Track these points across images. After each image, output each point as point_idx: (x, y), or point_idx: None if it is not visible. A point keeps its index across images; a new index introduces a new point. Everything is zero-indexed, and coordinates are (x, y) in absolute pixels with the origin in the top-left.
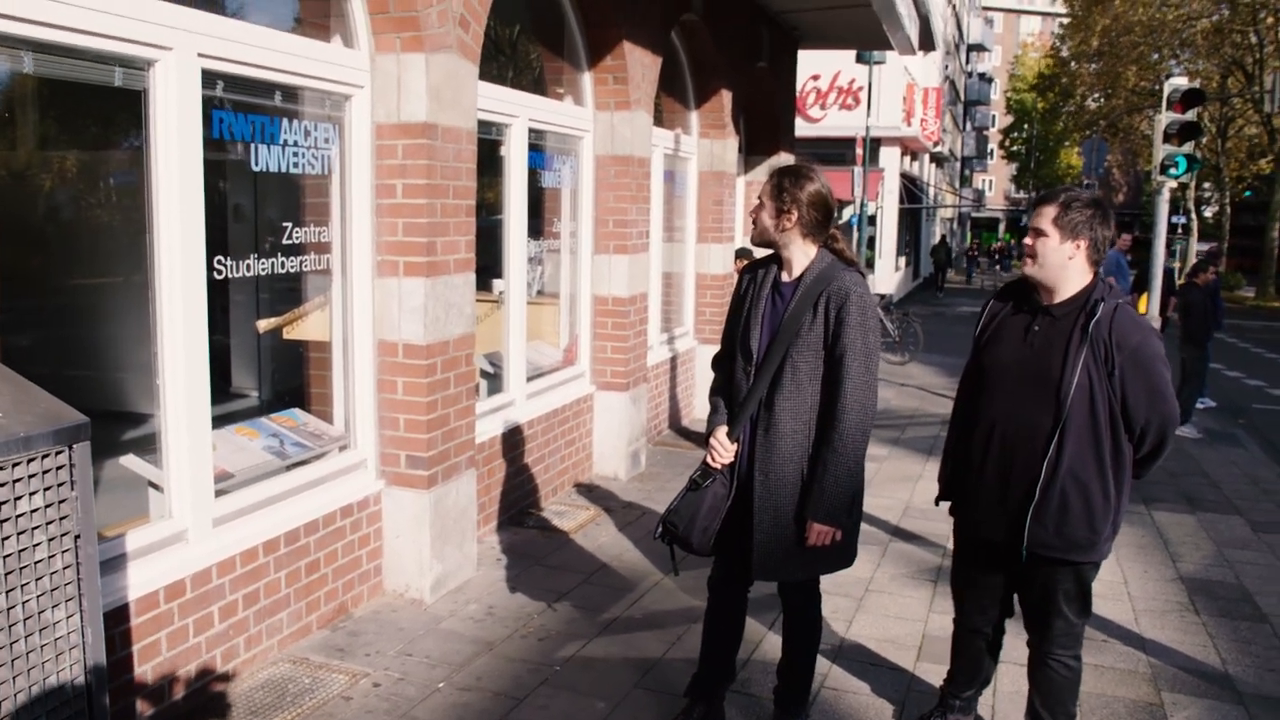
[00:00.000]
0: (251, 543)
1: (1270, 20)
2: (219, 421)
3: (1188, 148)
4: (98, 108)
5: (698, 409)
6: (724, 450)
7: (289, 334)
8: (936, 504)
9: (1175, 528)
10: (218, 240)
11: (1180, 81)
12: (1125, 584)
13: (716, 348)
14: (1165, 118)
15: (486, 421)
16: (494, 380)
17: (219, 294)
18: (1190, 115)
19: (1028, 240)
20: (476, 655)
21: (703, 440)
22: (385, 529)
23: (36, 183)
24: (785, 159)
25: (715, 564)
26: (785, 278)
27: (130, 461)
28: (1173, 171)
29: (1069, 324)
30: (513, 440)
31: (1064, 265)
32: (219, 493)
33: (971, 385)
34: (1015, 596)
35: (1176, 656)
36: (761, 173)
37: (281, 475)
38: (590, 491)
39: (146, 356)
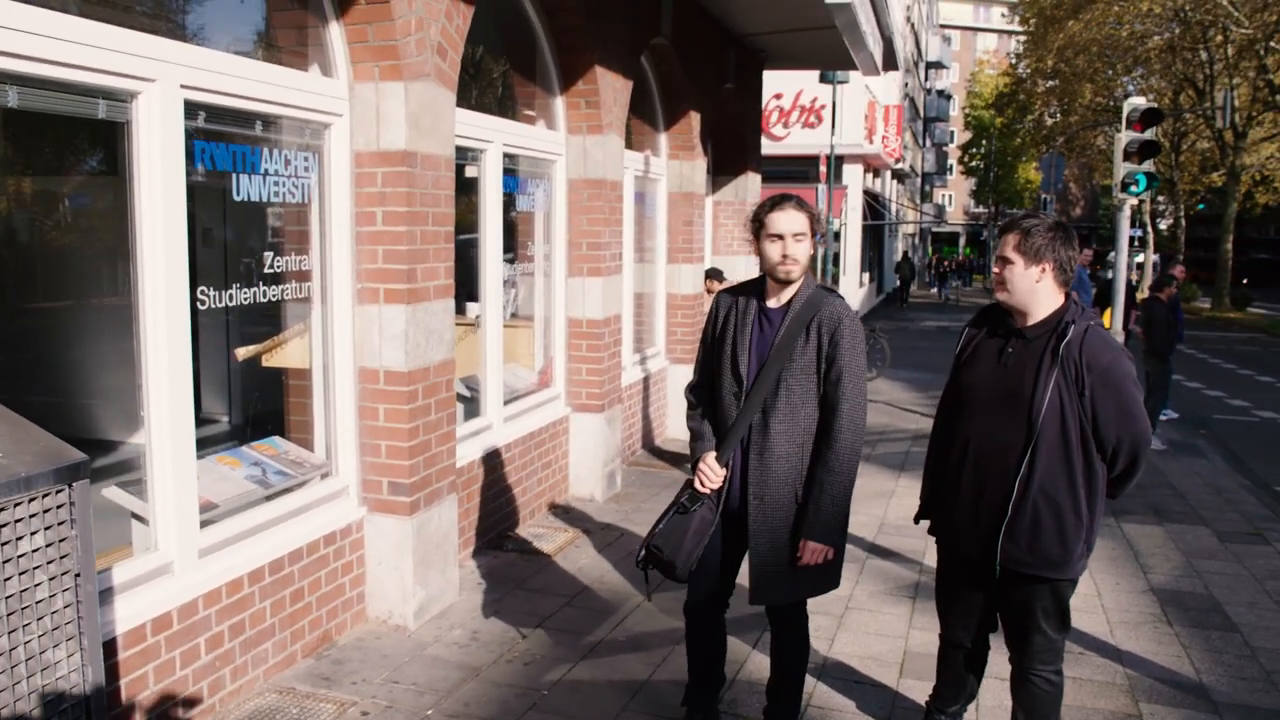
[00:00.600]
0: (237, 573)
1: (1220, 39)
2: (199, 450)
3: (1148, 165)
4: (79, 137)
5: (670, 429)
6: (714, 475)
7: (268, 361)
8: (916, 521)
9: (1145, 539)
10: (200, 269)
11: (1139, 101)
12: (1099, 596)
13: (688, 367)
14: (1125, 136)
15: (464, 446)
16: (470, 404)
17: (197, 322)
18: (1149, 134)
19: (996, 269)
20: (463, 681)
21: (676, 460)
22: (368, 556)
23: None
24: (753, 179)
25: (691, 589)
26: (773, 304)
27: (113, 493)
28: (1133, 189)
29: (1041, 345)
30: (491, 464)
31: (1032, 289)
32: (204, 523)
33: (950, 405)
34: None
35: (1152, 668)
36: (729, 192)
37: (265, 504)
38: (567, 513)
39: (122, 382)
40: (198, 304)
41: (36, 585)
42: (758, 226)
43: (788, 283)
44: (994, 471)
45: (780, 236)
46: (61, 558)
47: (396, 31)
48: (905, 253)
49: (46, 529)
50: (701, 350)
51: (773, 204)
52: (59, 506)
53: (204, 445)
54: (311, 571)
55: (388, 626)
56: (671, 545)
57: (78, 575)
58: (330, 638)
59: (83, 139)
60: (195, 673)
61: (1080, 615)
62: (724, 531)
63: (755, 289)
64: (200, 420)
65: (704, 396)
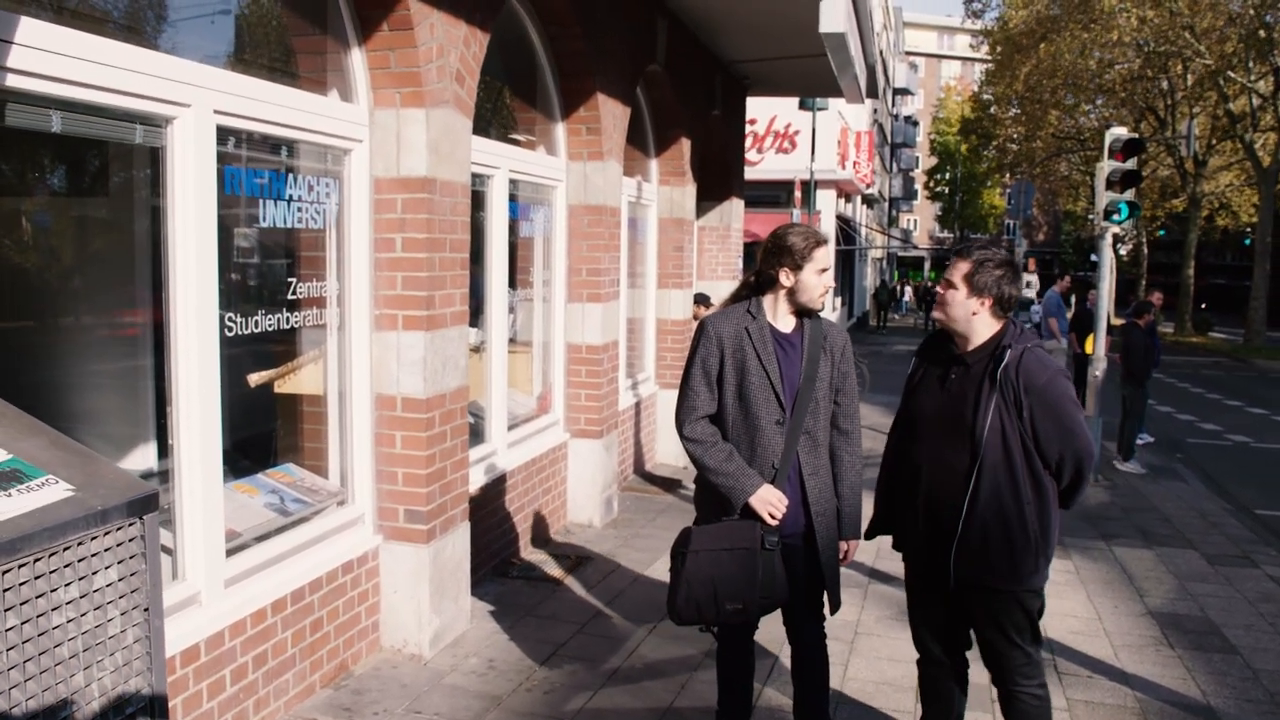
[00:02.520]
0: (261, 603)
1: (1180, 69)
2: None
3: (1129, 194)
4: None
5: (660, 453)
6: (783, 504)
7: (281, 387)
8: (868, 538)
9: (1136, 563)
10: (227, 296)
11: (1120, 131)
12: (1100, 620)
13: (675, 392)
14: (1107, 165)
15: (472, 471)
16: (475, 430)
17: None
18: (1130, 164)
19: (939, 288)
20: (486, 711)
21: (668, 485)
22: (383, 584)
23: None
24: (737, 204)
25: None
26: (785, 328)
27: None
28: (1116, 218)
29: (980, 370)
30: (496, 489)
31: (969, 318)
32: (229, 552)
33: (901, 430)
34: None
35: (1160, 690)
36: (714, 218)
37: (285, 533)
38: (568, 539)
39: (144, 408)
40: (226, 331)
41: (109, 620)
42: (802, 259)
43: (814, 311)
44: (944, 494)
45: (826, 270)
46: (133, 592)
47: (419, 58)
48: (884, 280)
49: (119, 563)
50: (704, 381)
51: (817, 240)
52: (131, 540)
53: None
54: (330, 600)
55: (402, 655)
56: (769, 586)
57: (147, 609)
58: (347, 667)
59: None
60: (220, 705)
61: (1084, 639)
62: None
63: (753, 315)
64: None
65: (723, 426)
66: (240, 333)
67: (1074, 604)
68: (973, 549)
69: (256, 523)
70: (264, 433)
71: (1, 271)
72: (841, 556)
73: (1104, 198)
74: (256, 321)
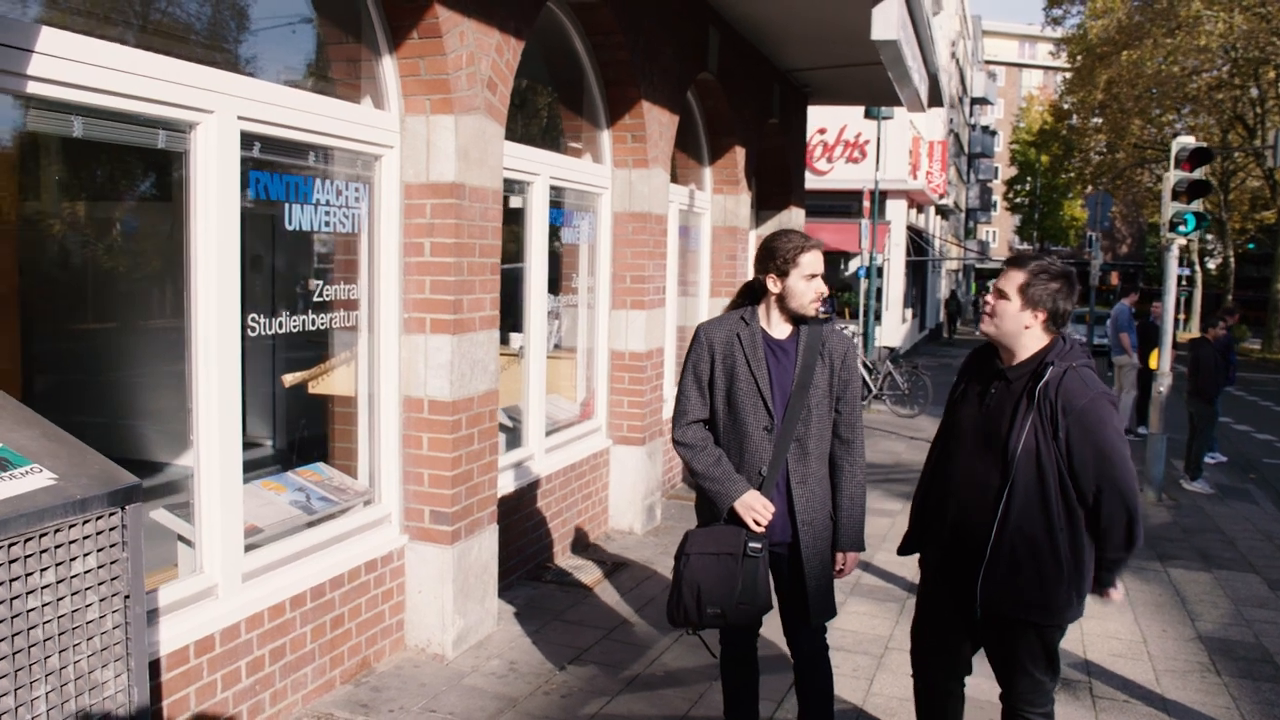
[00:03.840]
0: (279, 598)
1: (1272, 75)
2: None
3: (1196, 205)
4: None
5: None
6: (768, 512)
7: (314, 388)
8: (900, 554)
9: (1192, 586)
10: (251, 297)
11: (1188, 140)
12: (1145, 643)
13: None
14: (1174, 175)
15: (506, 476)
16: (513, 434)
17: (249, 348)
18: (1198, 174)
19: (989, 298)
20: (500, 712)
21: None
22: (408, 584)
23: (68, 231)
24: (796, 213)
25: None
26: (779, 335)
27: (161, 515)
28: (1182, 229)
29: (1020, 387)
30: (531, 494)
31: (1020, 332)
32: (248, 548)
33: (940, 444)
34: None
35: (1199, 718)
36: (773, 227)
37: (307, 530)
38: (607, 545)
39: (173, 404)
40: (248, 330)
41: (88, 605)
42: (787, 264)
43: (808, 317)
44: (973, 513)
45: (815, 275)
46: (113, 579)
47: (448, 65)
48: (954, 291)
49: (99, 550)
50: (695, 387)
51: (804, 244)
52: (112, 529)
53: (250, 469)
54: (352, 598)
55: (426, 655)
56: (750, 593)
57: (127, 597)
58: (369, 664)
59: (138, 166)
60: (235, 695)
61: (1125, 662)
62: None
63: (746, 321)
64: (255, 447)
65: (715, 432)
66: (263, 333)
67: (1119, 625)
68: (1001, 576)
69: (279, 519)
70: (296, 431)
71: (93, 275)
72: (839, 568)
73: (1170, 208)
74: (281, 322)
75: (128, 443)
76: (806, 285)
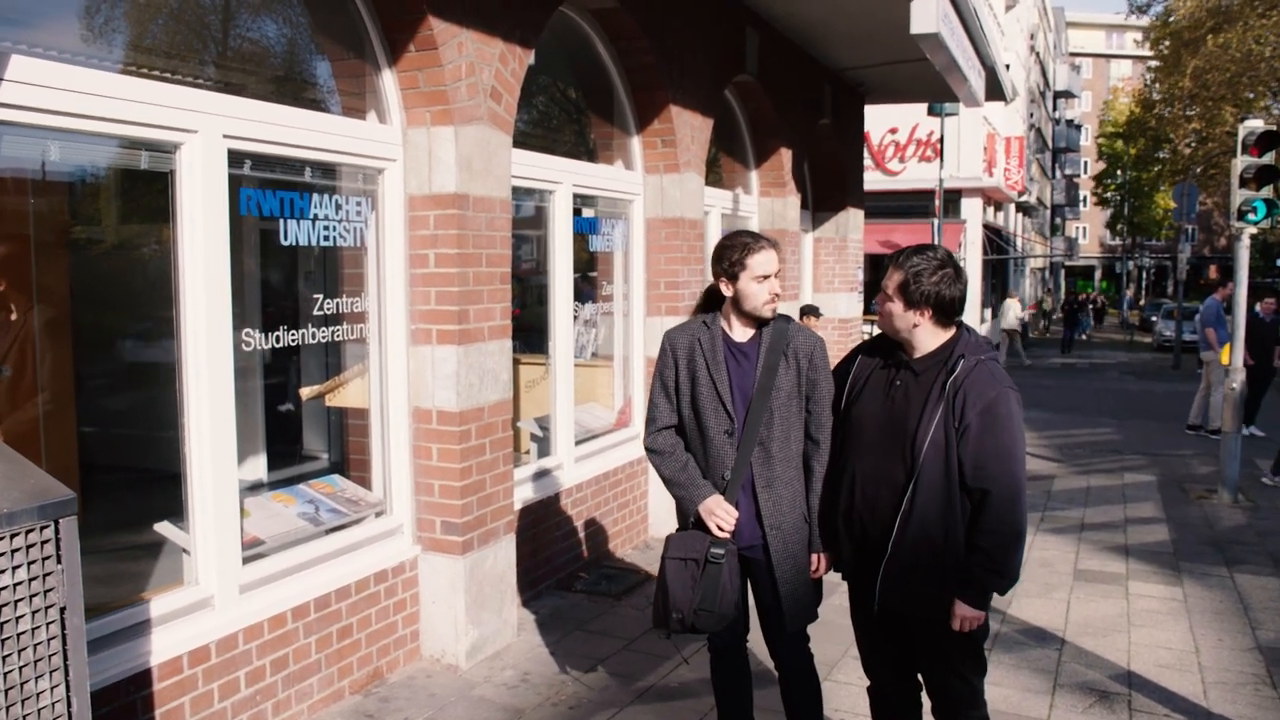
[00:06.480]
0: (280, 609)
1: None
2: (272, 486)
3: (1266, 192)
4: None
5: None
6: (731, 517)
7: (330, 401)
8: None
9: (1258, 592)
10: (248, 312)
11: (1255, 124)
12: (1196, 653)
13: None
14: (1241, 161)
15: (533, 485)
16: (543, 444)
17: (264, 363)
18: (1267, 158)
19: (878, 300)
20: None
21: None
22: (422, 594)
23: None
24: (854, 215)
25: (719, 634)
26: (740, 338)
27: (163, 528)
28: (1251, 217)
29: (929, 379)
30: (560, 503)
31: (910, 330)
32: (248, 559)
33: (839, 439)
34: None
35: None
36: (830, 229)
37: (312, 542)
38: (643, 554)
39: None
40: (242, 346)
41: (19, 618)
42: (735, 268)
43: (766, 319)
44: (878, 508)
45: (767, 276)
46: (46, 591)
47: (446, 77)
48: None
49: (30, 564)
50: (663, 393)
51: (751, 246)
52: (44, 543)
53: (277, 484)
54: (361, 608)
55: (440, 665)
56: (711, 599)
57: (63, 609)
58: (381, 675)
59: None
60: (235, 705)
61: (1173, 673)
62: (744, 568)
63: (708, 325)
64: (275, 459)
65: (682, 438)
66: (260, 348)
67: (1171, 634)
68: (899, 573)
69: (284, 530)
70: (314, 443)
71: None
72: (814, 570)
73: (1238, 196)
74: (278, 337)
75: (165, 455)
76: (759, 287)
